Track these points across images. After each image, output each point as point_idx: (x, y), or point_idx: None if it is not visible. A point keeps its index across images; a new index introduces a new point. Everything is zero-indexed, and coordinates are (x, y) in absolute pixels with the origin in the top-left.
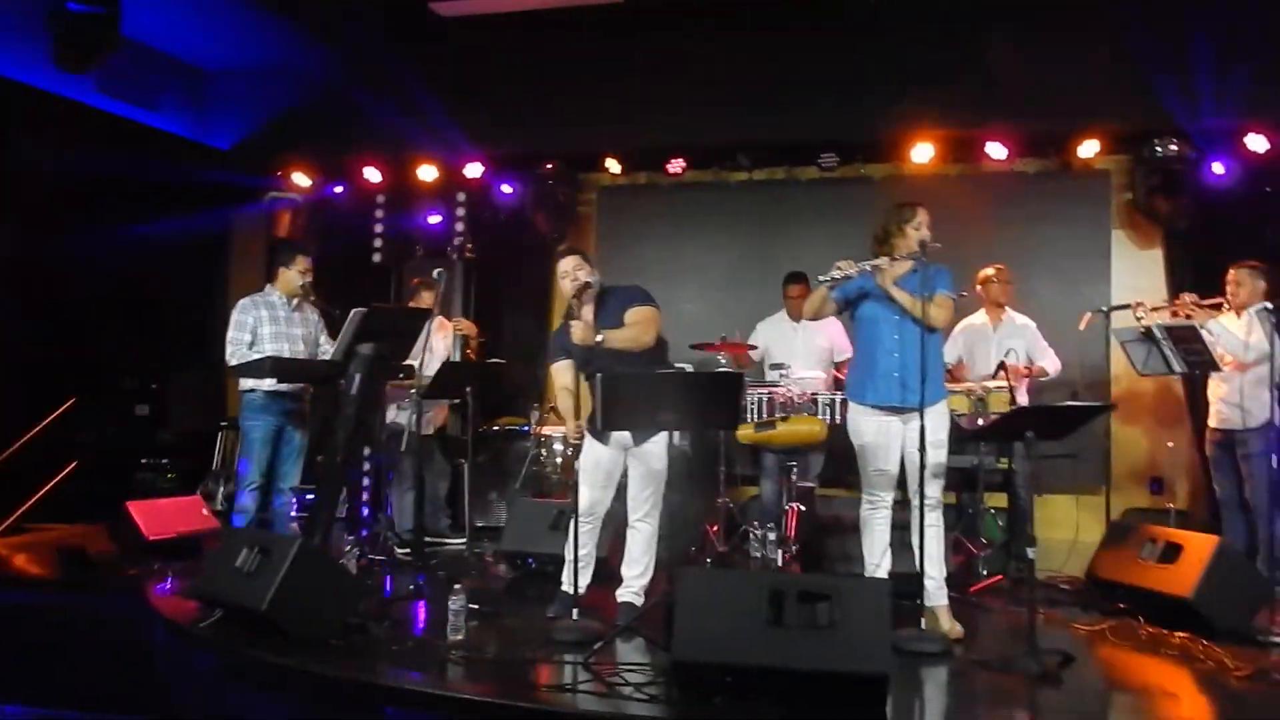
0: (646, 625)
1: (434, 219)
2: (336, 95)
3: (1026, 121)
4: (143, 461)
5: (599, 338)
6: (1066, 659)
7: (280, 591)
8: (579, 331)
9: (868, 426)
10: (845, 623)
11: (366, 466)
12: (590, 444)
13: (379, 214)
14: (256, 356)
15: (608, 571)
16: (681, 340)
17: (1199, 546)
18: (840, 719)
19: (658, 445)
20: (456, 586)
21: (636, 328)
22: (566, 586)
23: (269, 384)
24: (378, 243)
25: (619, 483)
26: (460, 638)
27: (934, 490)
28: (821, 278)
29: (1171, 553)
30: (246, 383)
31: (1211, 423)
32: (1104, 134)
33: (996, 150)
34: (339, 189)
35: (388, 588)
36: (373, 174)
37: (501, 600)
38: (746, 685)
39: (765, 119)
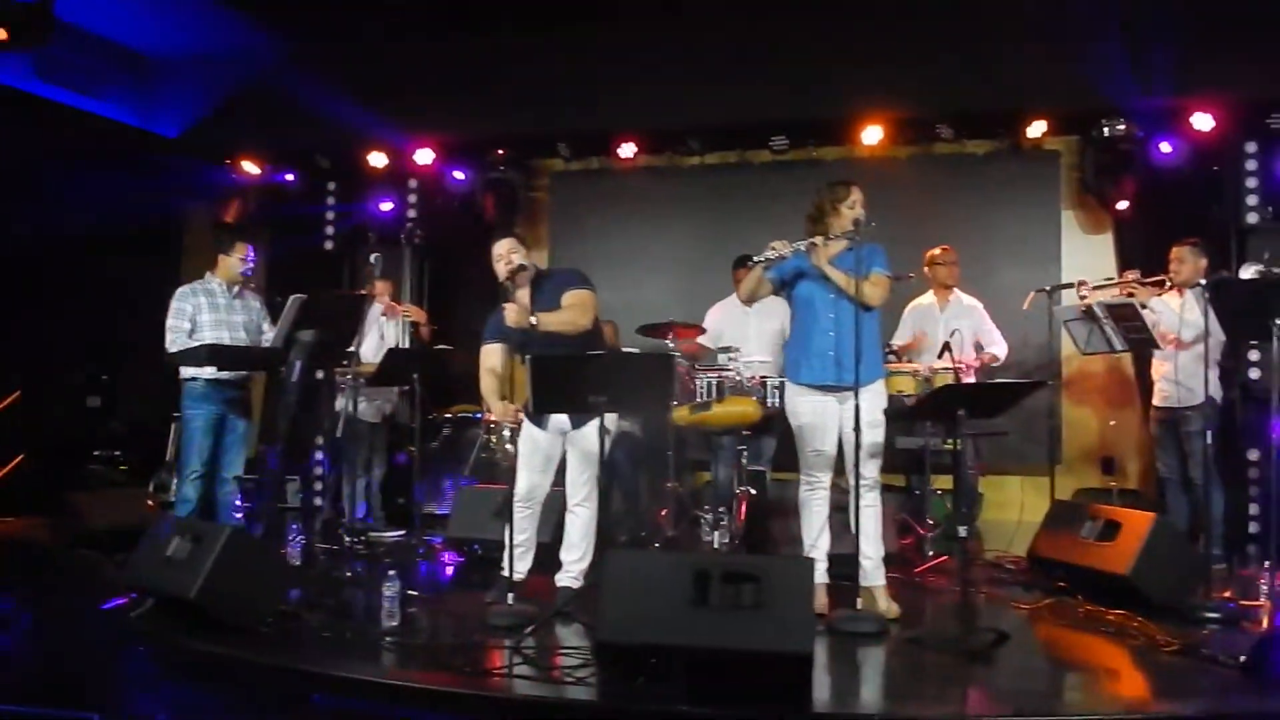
0: (585, 609)
1: (386, 206)
2: (285, 82)
3: (975, 102)
4: (95, 453)
5: (533, 320)
6: (1000, 637)
7: (210, 579)
8: (513, 314)
9: (804, 406)
10: (769, 603)
11: (320, 455)
12: (528, 428)
13: (330, 201)
14: (195, 344)
15: (554, 557)
16: (636, 324)
17: (1136, 524)
18: (765, 698)
19: (594, 428)
20: (391, 573)
21: (572, 310)
22: (506, 571)
23: (209, 372)
24: (329, 230)
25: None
26: (395, 624)
27: (871, 470)
28: (755, 258)
29: (1110, 531)
30: (187, 371)
31: (1155, 401)
32: (1052, 115)
33: (946, 132)
34: (290, 176)
35: (328, 576)
36: (322, 161)
37: (445, 587)
38: (671, 666)
39: (716, 102)
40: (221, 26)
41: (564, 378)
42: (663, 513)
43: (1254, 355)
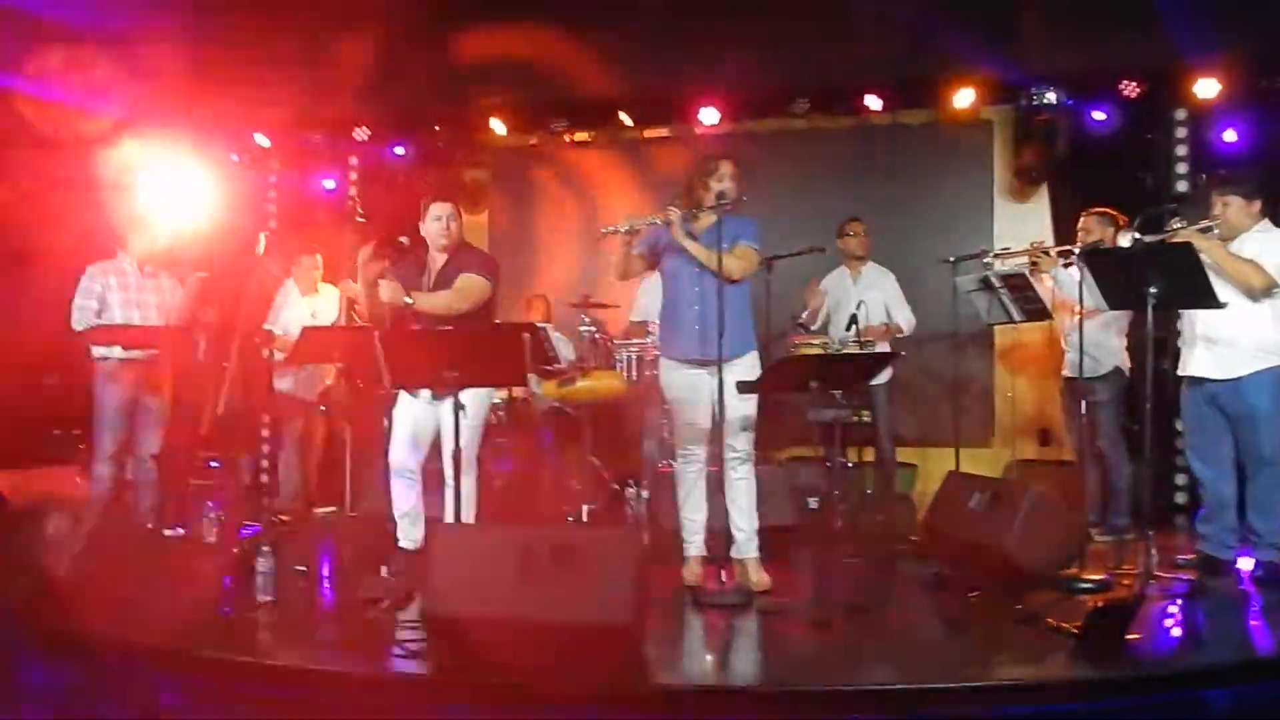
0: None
1: (328, 183)
2: (223, 59)
3: (902, 72)
4: (54, 432)
5: (408, 300)
6: (856, 608)
7: (80, 556)
8: (386, 291)
9: (676, 380)
10: (592, 575)
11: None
12: (402, 399)
13: (273, 179)
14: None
15: None
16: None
17: (1017, 496)
18: (591, 670)
19: (476, 398)
20: (265, 548)
21: (453, 295)
22: (404, 543)
23: (120, 351)
24: (272, 208)
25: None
26: (269, 599)
27: (742, 443)
28: (604, 229)
29: (995, 503)
30: (98, 350)
31: (1063, 371)
32: (981, 84)
33: (874, 102)
34: (234, 156)
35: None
36: (262, 139)
37: (344, 561)
38: (497, 638)
39: (650, 75)
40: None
41: (414, 353)
42: (579, 487)
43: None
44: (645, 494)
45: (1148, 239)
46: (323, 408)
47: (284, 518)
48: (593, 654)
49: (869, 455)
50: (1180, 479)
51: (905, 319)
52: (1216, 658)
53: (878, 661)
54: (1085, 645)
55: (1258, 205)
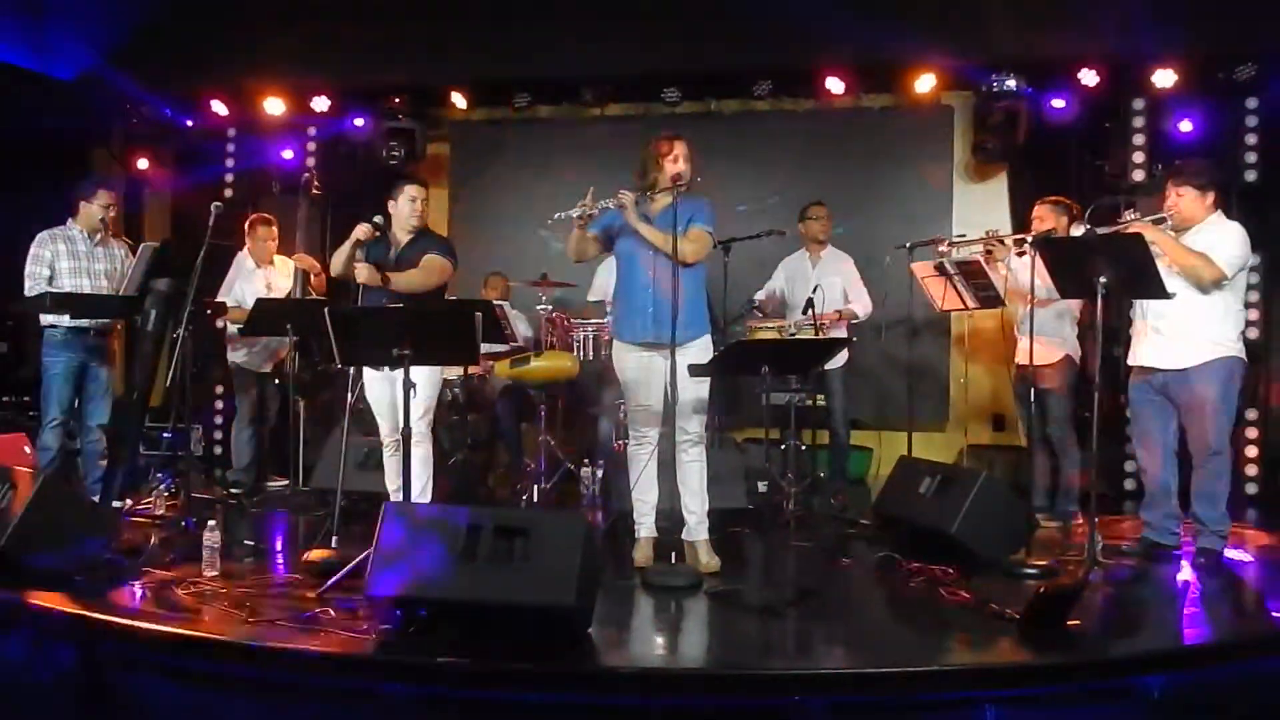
0: None
1: (286, 154)
2: (180, 24)
3: (865, 56)
4: (3, 399)
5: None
6: (804, 593)
7: (21, 527)
8: (364, 273)
9: (629, 363)
10: (538, 556)
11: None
12: (369, 375)
13: (230, 149)
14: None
15: None
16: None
17: (967, 481)
18: (535, 651)
19: (428, 372)
20: (211, 522)
21: (421, 273)
22: None
23: (69, 320)
24: (229, 178)
25: None
26: (214, 573)
27: (694, 426)
28: (556, 216)
29: (945, 488)
30: (46, 319)
31: (1016, 359)
32: (942, 69)
33: (835, 85)
34: (189, 123)
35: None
36: (220, 107)
37: (303, 540)
38: (442, 618)
39: (613, 54)
40: None
41: (364, 331)
42: (531, 466)
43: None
44: (600, 474)
45: (1101, 230)
46: (276, 381)
47: (235, 491)
48: (538, 635)
49: (824, 438)
50: (1130, 466)
51: (862, 305)
52: (1153, 644)
53: (823, 646)
54: (1027, 630)
55: (1211, 197)
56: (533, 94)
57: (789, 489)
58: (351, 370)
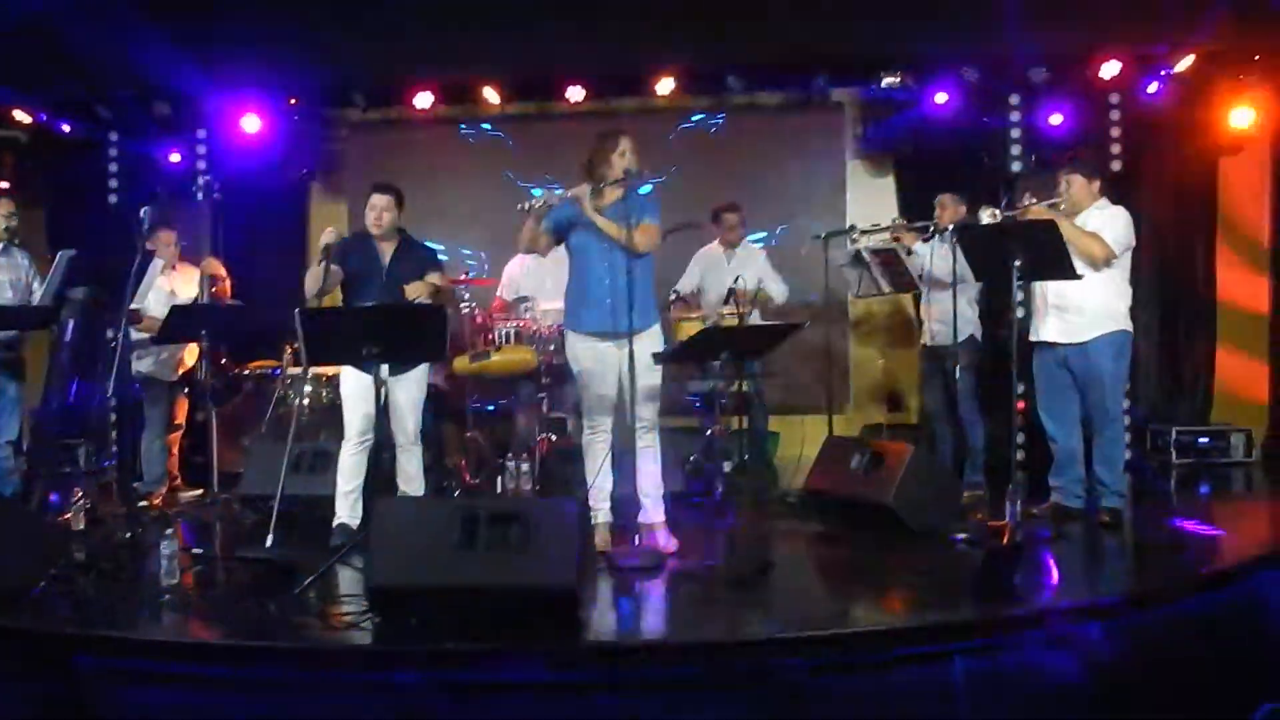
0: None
1: (174, 157)
2: (58, 22)
3: (764, 53)
4: None
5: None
6: (765, 565)
7: None
8: (420, 289)
9: (584, 353)
10: (534, 542)
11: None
12: (348, 373)
13: (113, 153)
14: None
15: None
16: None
17: (897, 455)
18: (534, 632)
19: (418, 371)
20: (168, 530)
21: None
22: (345, 518)
23: None
24: (113, 183)
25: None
26: (174, 581)
27: (648, 412)
28: (519, 206)
29: (876, 462)
30: None
31: (923, 340)
32: (833, 67)
33: (736, 83)
34: (66, 127)
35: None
36: (103, 111)
37: (240, 544)
38: (442, 606)
39: (512, 52)
40: None
41: (335, 330)
42: (462, 462)
43: (1020, 296)
44: (524, 467)
45: (1006, 214)
46: (185, 389)
47: (152, 502)
48: (535, 616)
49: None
50: (1020, 437)
51: (779, 290)
52: (1092, 595)
53: (795, 611)
54: (980, 588)
55: (1097, 184)
56: (437, 95)
57: (718, 472)
58: (287, 375)
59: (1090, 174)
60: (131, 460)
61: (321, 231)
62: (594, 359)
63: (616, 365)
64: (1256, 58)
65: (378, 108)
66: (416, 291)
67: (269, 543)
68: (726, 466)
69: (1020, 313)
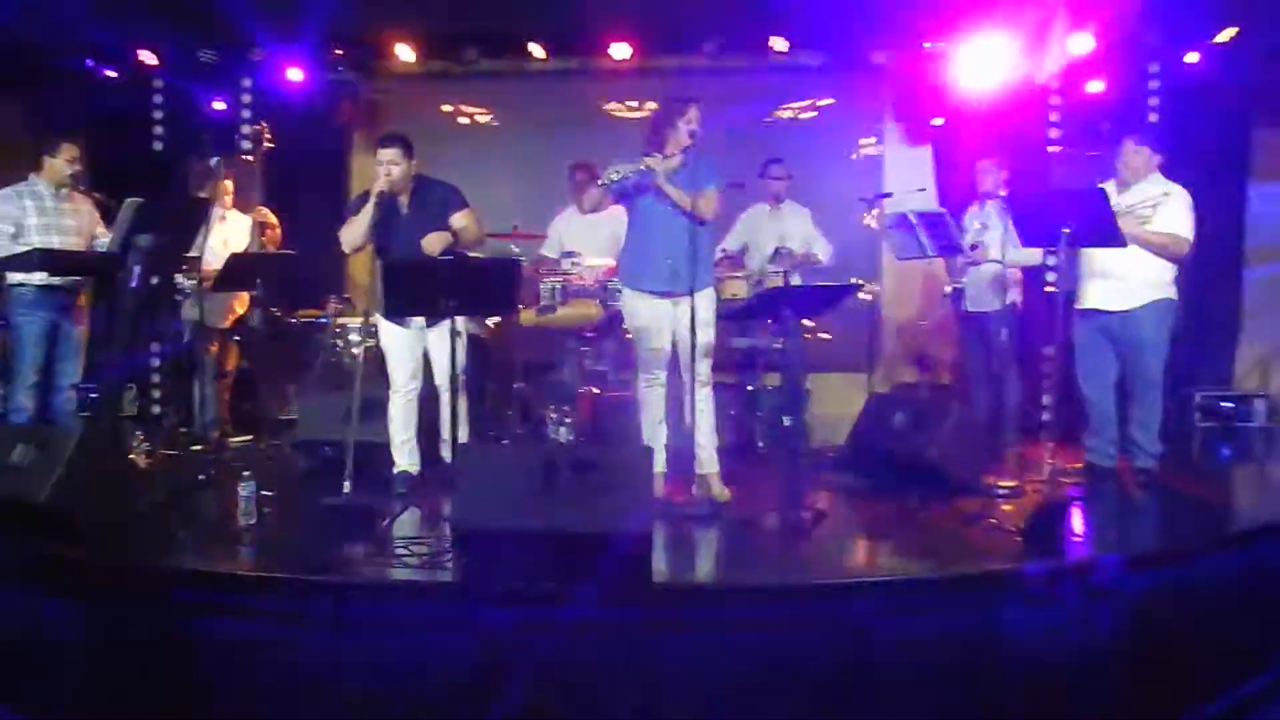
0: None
1: (219, 105)
2: None
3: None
4: None
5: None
6: (819, 515)
7: (60, 484)
8: (435, 243)
9: (642, 310)
10: (612, 488)
11: (156, 361)
12: (388, 326)
13: (158, 100)
14: (22, 249)
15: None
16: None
17: (940, 412)
18: (611, 574)
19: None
20: (246, 473)
21: (475, 227)
22: (404, 465)
23: (40, 278)
24: (158, 130)
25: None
26: (252, 522)
27: (704, 368)
28: (600, 182)
29: (917, 419)
30: (15, 277)
31: (965, 305)
32: (876, 29)
33: (779, 43)
34: (113, 73)
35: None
36: (149, 57)
37: (297, 489)
38: (525, 549)
39: (555, 6)
40: None
41: (417, 282)
42: (509, 413)
43: (1051, 261)
44: (568, 419)
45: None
46: (236, 336)
47: (200, 448)
48: (611, 559)
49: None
50: (1045, 399)
51: (824, 250)
52: (1138, 547)
53: (854, 558)
54: (1029, 541)
55: (1158, 158)
56: (481, 48)
57: (757, 426)
58: (335, 324)
59: (1156, 146)
60: (184, 406)
61: (361, 182)
62: (651, 316)
63: (671, 322)
64: None
65: (423, 61)
66: (433, 244)
67: (346, 488)
68: (765, 422)
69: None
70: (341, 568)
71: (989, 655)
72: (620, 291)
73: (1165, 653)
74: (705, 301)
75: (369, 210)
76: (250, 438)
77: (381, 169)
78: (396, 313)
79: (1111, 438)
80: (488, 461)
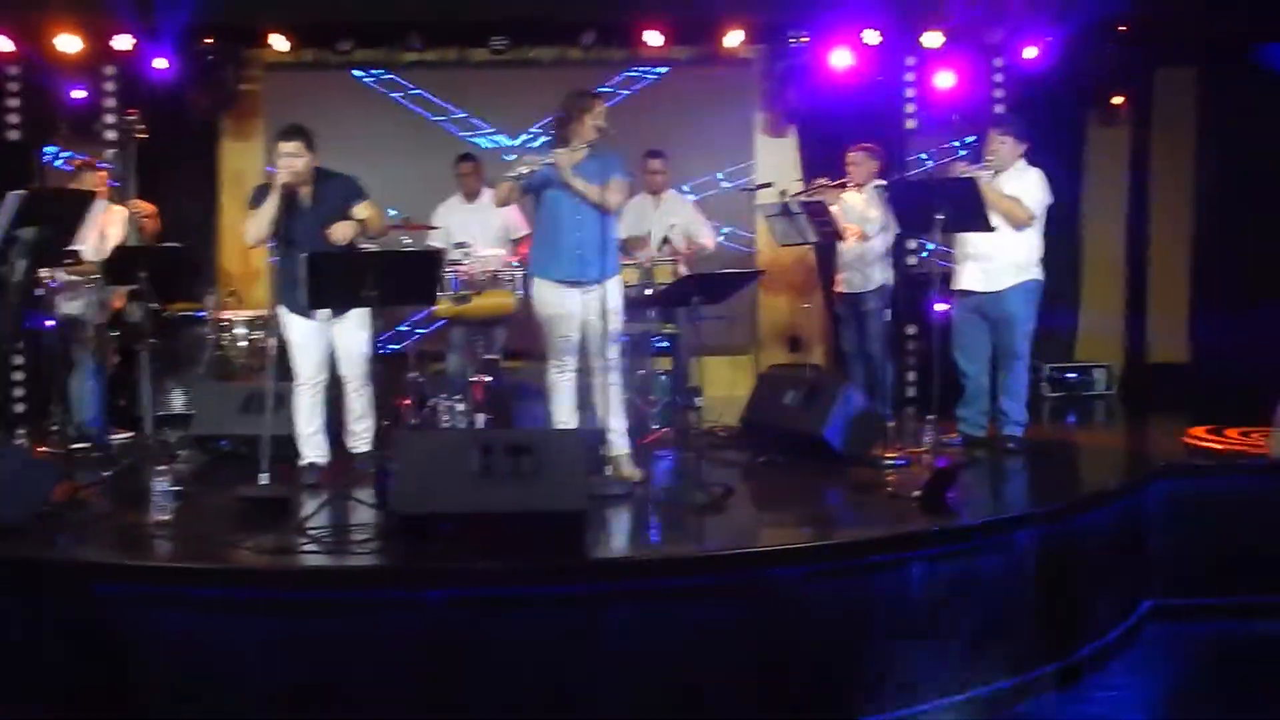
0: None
1: (78, 94)
2: None
3: (679, 12)
4: None
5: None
6: (727, 491)
7: None
8: (345, 231)
9: (552, 299)
10: (546, 470)
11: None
12: (294, 319)
13: (13, 87)
14: None
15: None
16: None
17: (829, 391)
18: (546, 552)
19: (360, 314)
20: (161, 468)
21: (379, 217)
22: (313, 457)
23: None
24: (13, 119)
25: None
26: (167, 517)
27: (613, 353)
28: (508, 174)
29: (808, 397)
30: None
31: (838, 287)
32: (747, 24)
33: (654, 38)
34: None
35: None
36: (3, 42)
37: (193, 483)
38: (462, 531)
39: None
40: None
41: (338, 274)
42: (405, 402)
43: (912, 244)
44: (459, 407)
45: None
46: (115, 332)
47: (81, 445)
48: (545, 537)
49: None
50: (911, 375)
51: (709, 236)
52: (1020, 509)
53: (770, 528)
54: (925, 506)
55: (1025, 146)
56: (355, 38)
57: (649, 409)
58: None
59: (1020, 136)
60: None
61: (230, 174)
62: (561, 304)
63: (580, 309)
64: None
65: (296, 51)
66: (342, 233)
67: (263, 480)
68: (658, 404)
69: (912, 260)
70: (275, 555)
71: (902, 612)
72: (512, 280)
73: (1055, 595)
74: (615, 289)
75: (273, 203)
76: (131, 434)
77: (283, 161)
78: (317, 304)
79: (984, 408)
80: (424, 447)
